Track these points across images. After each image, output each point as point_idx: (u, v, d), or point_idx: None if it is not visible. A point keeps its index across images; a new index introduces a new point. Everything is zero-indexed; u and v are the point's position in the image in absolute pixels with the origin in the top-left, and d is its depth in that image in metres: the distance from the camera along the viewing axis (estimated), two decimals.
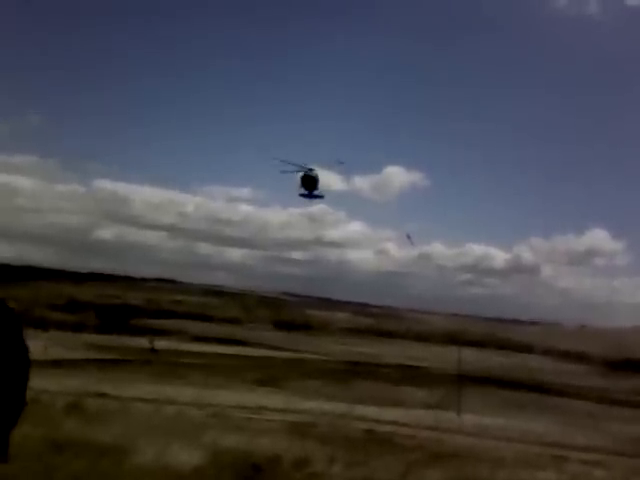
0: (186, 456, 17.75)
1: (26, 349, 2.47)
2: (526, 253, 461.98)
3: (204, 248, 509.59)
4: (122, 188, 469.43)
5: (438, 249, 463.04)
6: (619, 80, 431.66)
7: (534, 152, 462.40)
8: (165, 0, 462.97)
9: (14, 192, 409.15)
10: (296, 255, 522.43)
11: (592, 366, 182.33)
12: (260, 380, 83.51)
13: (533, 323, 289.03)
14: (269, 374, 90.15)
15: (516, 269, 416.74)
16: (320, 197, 37.65)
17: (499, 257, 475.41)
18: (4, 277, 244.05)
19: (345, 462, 21.47)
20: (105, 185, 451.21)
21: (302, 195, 36.46)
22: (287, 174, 34.22)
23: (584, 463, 36.92)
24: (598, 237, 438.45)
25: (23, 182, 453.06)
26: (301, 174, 35.67)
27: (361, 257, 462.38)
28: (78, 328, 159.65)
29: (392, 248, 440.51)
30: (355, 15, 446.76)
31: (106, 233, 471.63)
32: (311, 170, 35.33)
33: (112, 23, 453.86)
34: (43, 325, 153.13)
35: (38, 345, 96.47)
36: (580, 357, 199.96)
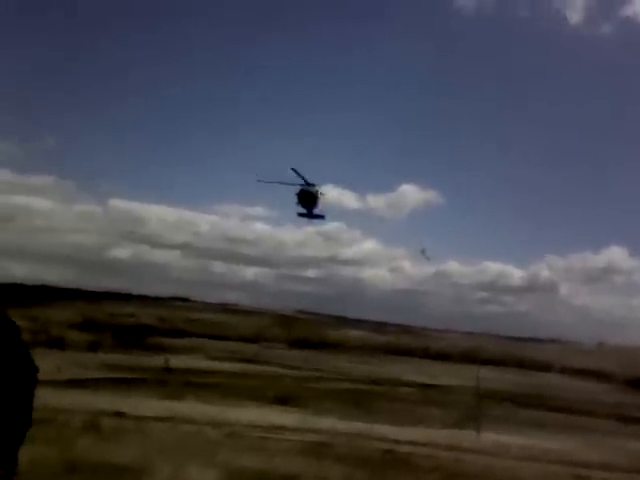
0: (202, 476, 17.60)
1: (33, 367, 2.38)
2: (543, 271, 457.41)
3: (218, 266, 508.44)
4: (137, 208, 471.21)
5: (454, 267, 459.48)
6: (636, 94, 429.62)
7: (550, 169, 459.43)
8: (179, 13, 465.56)
9: (31, 213, 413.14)
10: (310, 273, 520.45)
11: (611, 384, 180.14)
12: (275, 399, 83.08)
13: (551, 341, 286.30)
14: (284, 393, 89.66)
15: (533, 287, 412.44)
16: (321, 217, 33.61)
17: (515, 275, 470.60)
18: (21, 297, 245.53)
19: None
20: (120, 205, 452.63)
21: (301, 215, 32.22)
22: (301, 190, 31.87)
23: None
24: (616, 254, 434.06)
25: (40, 203, 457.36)
26: (298, 189, 31.46)
27: (376, 275, 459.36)
28: (94, 347, 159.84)
29: (407, 266, 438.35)
30: (370, 29, 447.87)
31: (121, 252, 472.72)
32: (311, 185, 31.59)
33: (125, 42, 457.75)
34: (59, 344, 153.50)
35: (52, 365, 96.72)
36: (599, 375, 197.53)
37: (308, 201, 31.66)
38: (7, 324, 2.16)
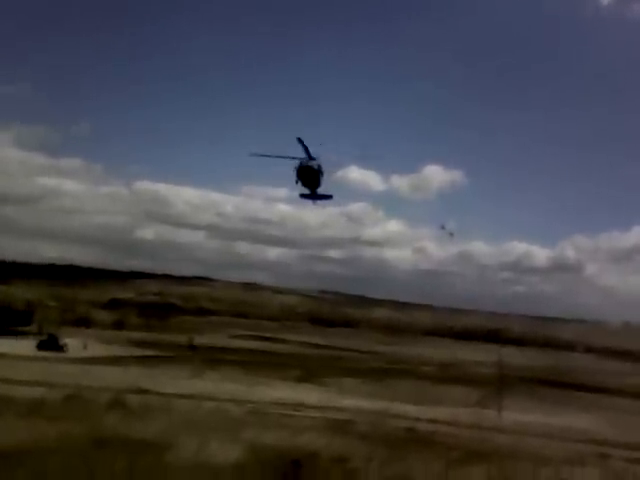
0: (226, 452, 17.86)
1: None
2: (569, 251, 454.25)
3: (243, 247, 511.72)
4: (163, 189, 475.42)
5: (478, 247, 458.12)
6: None
7: (577, 148, 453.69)
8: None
9: (60, 194, 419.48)
10: (334, 254, 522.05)
11: (636, 363, 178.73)
12: (299, 377, 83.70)
13: (576, 321, 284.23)
14: (307, 371, 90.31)
15: (559, 267, 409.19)
16: (327, 198, 29.10)
17: (541, 255, 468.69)
18: (49, 276, 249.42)
19: (384, 460, 21.38)
20: (146, 186, 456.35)
21: (303, 196, 28.45)
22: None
23: (627, 460, 36.24)
24: None
25: (69, 185, 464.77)
26: (296, 165, 27.12)
27: (399, 256, 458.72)
28: (119, 325, 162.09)
29: (431, 246, 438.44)
30: (393, 12, 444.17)
31: (147, 233, 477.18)
32: (313, 159, 27.23)
33: (155, 29, 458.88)
34: (86, 323, 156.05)
35: (78, 343, 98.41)
36: (624, 354, 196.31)
37: (309, 179, 27.76)
38: None
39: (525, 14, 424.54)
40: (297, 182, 27.35)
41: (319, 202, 29.23)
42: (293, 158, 26.98)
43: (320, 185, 27.89)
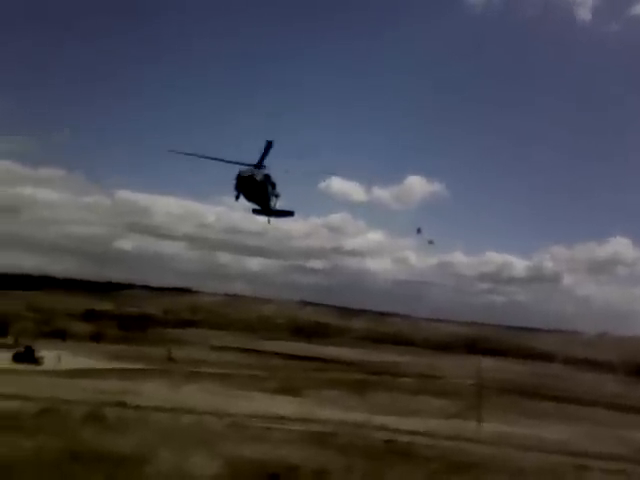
0: (204, 466, 17.75)
1: None
2: (547, 261, 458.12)
3: (223, 258, 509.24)
4: (144, 199, 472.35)
5: (458, 258, 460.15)
6: None
7: (556, 160, 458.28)
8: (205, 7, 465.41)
9: (40, 204, 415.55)
10: (315, 264, 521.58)
11: (613, 374, 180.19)
12: (278, 389, 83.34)
13: (553, 331, 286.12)
14: (287, 383, 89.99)
15: (537, 277, 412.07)
16: (287, 214, 24.24)
17: (520, 265, 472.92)
18: (26, 287, 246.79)
19: (364, 472, 21.36)
20: (127, 196, 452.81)
21: (256, 212, 23.59)
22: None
23: (605, 472, 36.48)
24: (620, 245, 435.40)
25: (49, 195, 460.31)
26: (237, 173, 21.06)
27: (380, 266, 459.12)
28: (97, 337, 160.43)
29: (411, 257, 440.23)
30: (375, 24, 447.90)
31: (126, 243, 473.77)
32: (260, 167, 20.89)
33: (137, 38, 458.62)
34: (62, 335, 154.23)
35: (54, 355, 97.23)
36: (601, 365, 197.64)
37: (252, 192, 21.46)
38: None
39: (509, 24, 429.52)
40: (237, 197, 21.37)
41: (276, 220, 24.31)
42: (236, 164, 20.85)
43: (270, 200, 22.65)
